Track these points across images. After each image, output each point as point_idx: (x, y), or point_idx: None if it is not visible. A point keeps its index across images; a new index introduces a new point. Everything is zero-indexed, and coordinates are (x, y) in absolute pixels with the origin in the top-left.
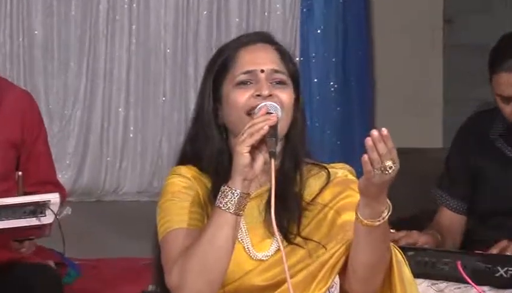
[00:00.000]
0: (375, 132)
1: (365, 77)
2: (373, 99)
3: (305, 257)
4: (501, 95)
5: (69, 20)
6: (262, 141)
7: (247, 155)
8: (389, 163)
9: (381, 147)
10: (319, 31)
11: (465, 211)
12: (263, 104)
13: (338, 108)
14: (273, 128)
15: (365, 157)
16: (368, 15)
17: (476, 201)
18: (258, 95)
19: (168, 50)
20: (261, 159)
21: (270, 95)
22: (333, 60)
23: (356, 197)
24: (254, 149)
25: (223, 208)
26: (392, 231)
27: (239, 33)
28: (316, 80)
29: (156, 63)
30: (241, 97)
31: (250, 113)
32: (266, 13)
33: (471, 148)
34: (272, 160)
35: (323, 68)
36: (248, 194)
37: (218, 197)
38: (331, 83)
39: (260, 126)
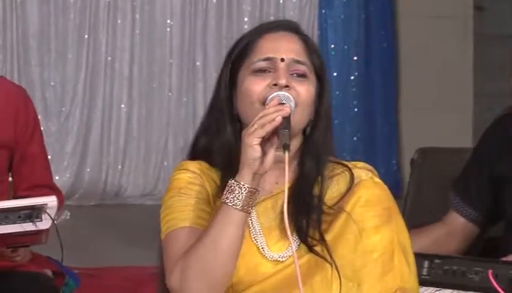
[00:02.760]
0: None
1: (389, 71)
2: (397, 94)
3: (334, 282)
4: None
5: (67, 7)
6: (273, 133)
7: (257, 147)
8: None
9: None
10: (338, 20)
11: (476, 221)
12: (275, 94)
13: (359, 105)
14: (287, 120)
15: None
16: (392, 3)
17: (505, 209)
18: (275, 85)
19: (174, 40)
20: (272, 153)
21: (287, 86)
22: (354, 52)
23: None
24: (265, 142)
25: (229, 204)
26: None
27: (251, 22)
28: (335, 74)
29: (162, 55)
30: (257, 85)
31: (265, 103)
32: (281, 0)
33: (493, 157)
34: (286, 153)
35: (344, 60)
36: (257, 190)
37: (224, 192)
38: (352, 77)
39: (272, 116)
